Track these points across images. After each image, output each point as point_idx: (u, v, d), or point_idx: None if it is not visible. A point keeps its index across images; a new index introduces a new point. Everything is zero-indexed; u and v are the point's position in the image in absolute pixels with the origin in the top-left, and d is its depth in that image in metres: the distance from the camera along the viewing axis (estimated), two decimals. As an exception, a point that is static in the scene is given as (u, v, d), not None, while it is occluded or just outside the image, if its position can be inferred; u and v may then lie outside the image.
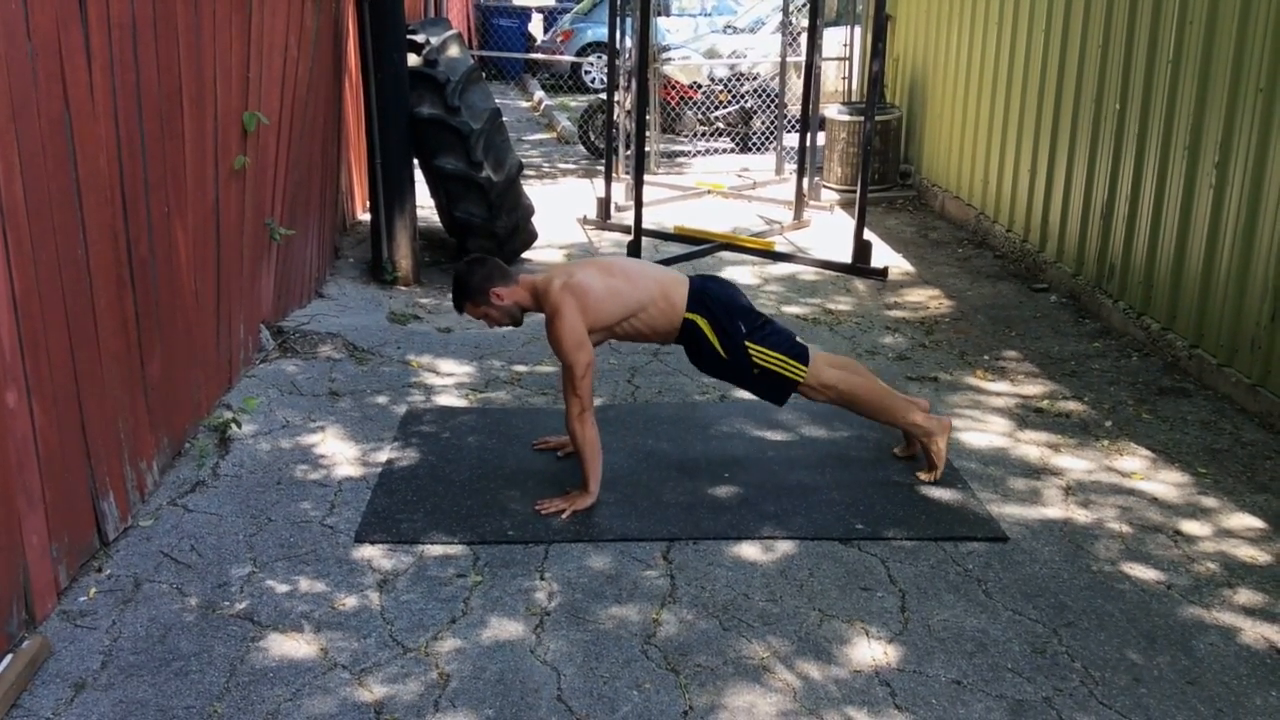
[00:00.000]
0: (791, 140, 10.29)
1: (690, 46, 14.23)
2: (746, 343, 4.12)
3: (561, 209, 9.01)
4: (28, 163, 3.14)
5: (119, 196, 3.70)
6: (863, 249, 7.29)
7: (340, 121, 7.20)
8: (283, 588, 3.53)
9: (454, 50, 6.92)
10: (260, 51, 5.03)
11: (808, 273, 7.39)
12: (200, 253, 4.43)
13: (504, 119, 7.29)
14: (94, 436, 3.58)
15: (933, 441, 4.26)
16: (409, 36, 6.70)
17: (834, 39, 11.13)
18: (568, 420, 4.02)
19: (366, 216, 7.43)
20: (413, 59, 6.68)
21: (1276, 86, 4.84)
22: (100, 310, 3.59)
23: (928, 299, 6.84)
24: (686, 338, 4.19)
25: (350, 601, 3.47)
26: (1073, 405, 5.10)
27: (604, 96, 9.02)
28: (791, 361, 4.15)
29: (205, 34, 4.37)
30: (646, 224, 7.61)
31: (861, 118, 8.06)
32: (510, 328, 4.35)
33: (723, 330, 4.12)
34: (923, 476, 4.28)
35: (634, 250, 7.19)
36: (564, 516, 3.96)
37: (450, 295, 4.24)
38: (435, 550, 3.77)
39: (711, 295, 4.16)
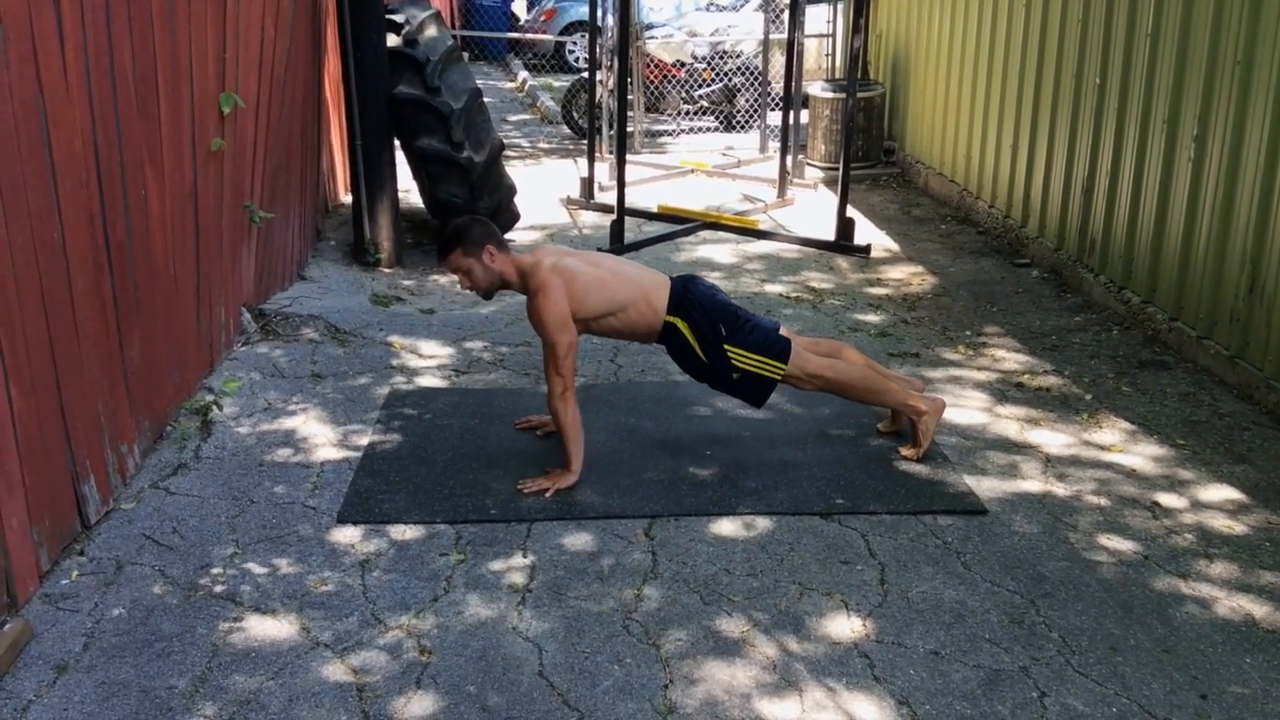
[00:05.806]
0: (775, 118, 10.27)
1: (673, 24, 14.18)
2: (726, 346, 4.12)
3: (545, 189, 8.99)
4: (1, 146, 3.13)
5: (95, 180, 3.68)
6: (846, 226, 7.30)
7: (320, 103, 7.17)
8: (264, 569, 3.54)
9: (433, 30, 6.89)
10: (237, 33, 5.00)
11: (790, 250, 7.40)
12: (179, 236, 4.42)
13: (486, 99, 7.27)
14: (74, 420, 3.57)
15: (922, 420, 4.28)
16: (388, 16, 6.67)
17: (817, 16, 11.11)
18: (550, 399, 4.02)
19: (349, 198, 7.41)
20: (392, 39, 6.65)
21: (1254, 59, 4.85)
22: (78, 294, 3.58)
23: (910, 276, 6.85)
24: (667, 340, 4.20)
25: (332, 582, 3.48)
26: (1053, 380, 5.13)
27: (587, 76, 8.97)
28: (771, 361, 4.15)
29: (180, 16, 4.34)
30: (630, 203, 7.60)
31: (844, 95, 8.06)
32: (484, 300, 4.24)
33: (702, 334, 4.12)
34: (905, 453, 4.30)
35: (618, 229, 7.19)
36: (546, 496, 3.98)
37: (438, 257, 4.13)
38: (417, 530, 3.78)
39: (692, 298, 4.15)
